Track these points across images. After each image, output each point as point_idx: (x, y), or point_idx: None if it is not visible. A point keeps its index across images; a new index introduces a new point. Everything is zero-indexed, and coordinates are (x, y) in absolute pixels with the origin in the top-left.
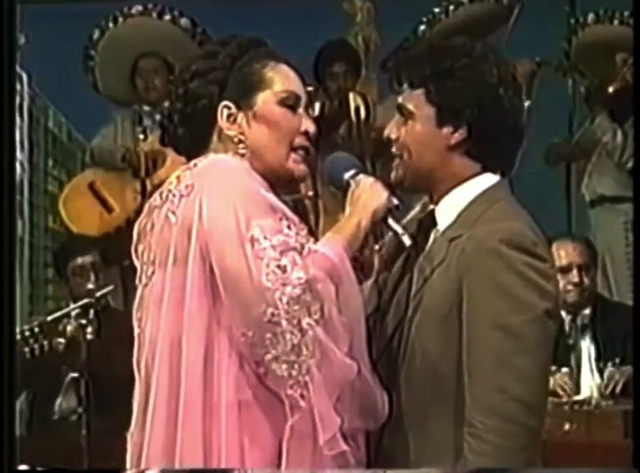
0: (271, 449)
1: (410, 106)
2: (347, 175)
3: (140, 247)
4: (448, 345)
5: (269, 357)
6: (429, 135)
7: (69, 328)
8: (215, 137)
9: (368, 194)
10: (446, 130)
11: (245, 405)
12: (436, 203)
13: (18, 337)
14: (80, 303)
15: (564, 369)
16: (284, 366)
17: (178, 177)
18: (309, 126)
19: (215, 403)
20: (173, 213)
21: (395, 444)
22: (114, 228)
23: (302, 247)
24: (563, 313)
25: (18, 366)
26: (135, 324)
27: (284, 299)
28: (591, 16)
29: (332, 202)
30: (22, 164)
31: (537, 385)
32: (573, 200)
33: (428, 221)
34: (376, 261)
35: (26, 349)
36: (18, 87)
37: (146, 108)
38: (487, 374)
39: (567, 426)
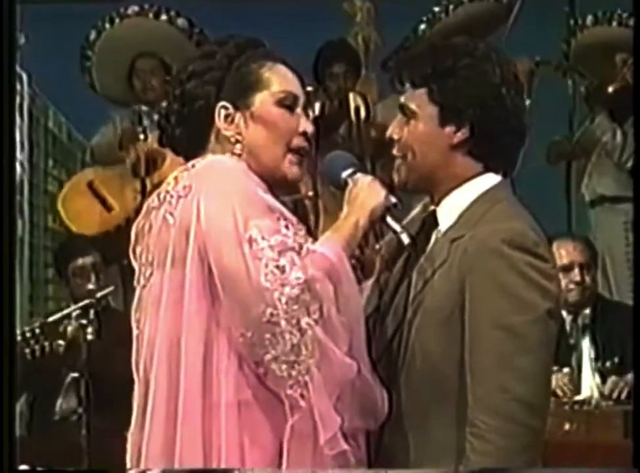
0: (271, 449)
1: (412, 106)
2: (344, 174)
3: (139, 249)
4: (450, 346)
5: (268, 357)
6: (432, 134)
7: (69, 328)
8: (212, 138)
9: (366, 193)
10: (449, 129)
11: (245, 405)
12: (437, 203)
13: (19, 338)
14: (81, 303)
15: (565, 369)
16: (284, 366)
17: (176, 178)
18: (307, 126)
19: (215, 403)
20: (171, 214)
21: (396, 444)
22: (113, 227)
23: (300, 247)
24: (564, 313)
25: (19, 367)
26: (134, 325)
27: (283, 300)
28: (589, 18)
29: (332, 202)
30: (22, 164)
31: (539, 385)
32: (573, 200)
33: (430, 221)
34: (377, 261)
35: (27, 350)
36: (18, 87)
37: (144, 108)
38: (489, 374)
39: (567, 426)
